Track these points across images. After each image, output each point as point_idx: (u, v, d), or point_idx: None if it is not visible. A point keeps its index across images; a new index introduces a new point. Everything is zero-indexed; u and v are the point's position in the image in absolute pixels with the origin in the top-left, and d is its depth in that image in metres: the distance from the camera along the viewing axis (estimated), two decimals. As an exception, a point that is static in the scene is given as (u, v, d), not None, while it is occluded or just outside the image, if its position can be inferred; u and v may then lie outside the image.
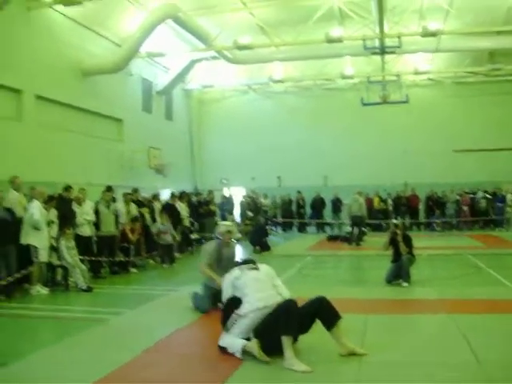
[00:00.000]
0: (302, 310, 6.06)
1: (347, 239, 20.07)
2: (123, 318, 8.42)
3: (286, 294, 6.41)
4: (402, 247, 10.66)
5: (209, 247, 8.98)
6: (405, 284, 10.45)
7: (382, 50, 21.97)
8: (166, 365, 5.90)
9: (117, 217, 14.48)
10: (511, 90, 27.34)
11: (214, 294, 8.14)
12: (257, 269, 6.66)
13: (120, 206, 15.11)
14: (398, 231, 10.87)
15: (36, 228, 11.00)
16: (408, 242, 10.86)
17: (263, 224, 20.57)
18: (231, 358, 5.93)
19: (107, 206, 14.15)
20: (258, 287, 6.35)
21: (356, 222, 19.90)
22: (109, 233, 13.93)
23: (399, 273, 10.66)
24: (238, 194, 27.90)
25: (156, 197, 18.54)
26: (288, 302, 6.02)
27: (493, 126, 27.14)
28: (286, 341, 5.70)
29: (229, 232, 8.84)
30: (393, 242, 10.95)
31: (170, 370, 5.74)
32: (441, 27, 19.30)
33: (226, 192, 27.28)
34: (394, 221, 11.64)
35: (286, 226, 26.97)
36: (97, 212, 13.83)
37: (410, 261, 10.66)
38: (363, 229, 20.51)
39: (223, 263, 8.52)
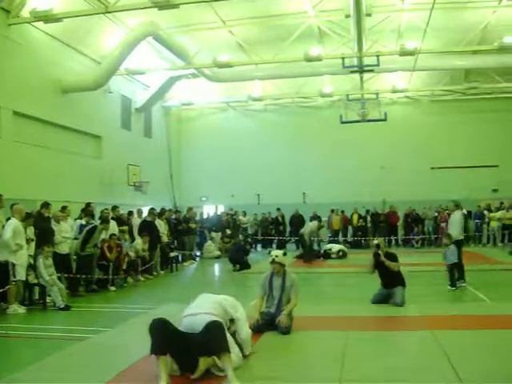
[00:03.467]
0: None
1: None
2: (102, 336, 8.33)
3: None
4: (389, 263, 10.21)
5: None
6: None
7: (361, 69, 22.20)
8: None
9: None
10: (487, 108, 27.75)
11: None
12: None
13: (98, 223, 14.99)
14: (380, 251, 10.43)
15: (7, 248, 10.86)
16: (392, 258, 10.41)
17: (243, 242, 20.53)
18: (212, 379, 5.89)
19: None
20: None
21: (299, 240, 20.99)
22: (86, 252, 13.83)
23: (389, 300, 10.19)
24: (216, 212, 27.94)
25: (132, 214, 18.50)
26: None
27: (470, 143, 27.55)
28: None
29: (273, 262, 8.43)
30: (378, 264, 10.46)
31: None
32: (418, 46, 19.55)
33: (210, 209, 27.40)
34: (375, 241, 11.17)
35: (266, 244, 26.93)
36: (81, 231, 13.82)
37: (403, 295, 10.12)
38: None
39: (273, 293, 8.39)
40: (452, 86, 27.20)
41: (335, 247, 21.37)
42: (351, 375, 5.98)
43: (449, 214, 25.13)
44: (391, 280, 10.28)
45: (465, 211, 25.21)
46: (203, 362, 5.82)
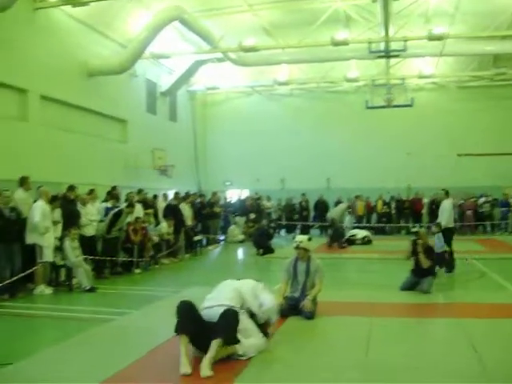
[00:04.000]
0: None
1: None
2: (128, 318, 8.42)
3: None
4: (423, 259, 10.12)
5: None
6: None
7: (387, 54, 21.95)
8: (171, 366, 5.88)
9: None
10: (516, 95, 27.32)
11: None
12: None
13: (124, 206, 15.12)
14: (419, 241, 10.31)
15: (36, 230, 10.99)
16: (429, 253, 10.29)
17: (266, 227, 20.55)
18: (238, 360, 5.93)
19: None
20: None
21: (329, 224, 20.52)
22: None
23: (417, 287, 10.13)
24: (241, 196, 28.00)
25: (157, 197, 18.62)
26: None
27: (497, 130, 27.10)
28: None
29: (297, 247, 8.46)
30: (414, 252, 10.38)
31: (176, 370, 5.72)
32: (446, 31, 19.29)
33: (234, 194, 27.52)
34: (415, 229, 10.99)
35: (290, 229, 26.91)
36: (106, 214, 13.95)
37: (431, 284, 10.07)
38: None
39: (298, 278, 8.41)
40: (480, 71, 26.77)
41: (360, 233, 21.22)
42: (375, 361, 5.99)
43: (475, 202, 25.30)
44: (423, 269, 10.20)
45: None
46: (217, 352, 5.80)
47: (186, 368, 5.60)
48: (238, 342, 5.89)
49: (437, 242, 12.55)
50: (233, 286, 6.65)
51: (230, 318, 5.96)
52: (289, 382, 5.40)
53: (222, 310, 6.07)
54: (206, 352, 5.74)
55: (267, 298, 6.72)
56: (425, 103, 27.96)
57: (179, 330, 5.89)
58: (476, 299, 9.50)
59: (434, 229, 13.25)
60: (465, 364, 5.85)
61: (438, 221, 13.49)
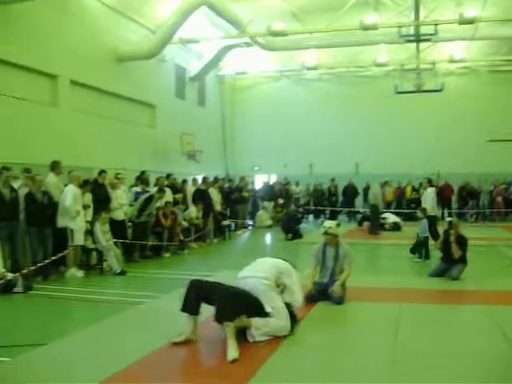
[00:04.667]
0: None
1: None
2: (157, 301, 8.51)
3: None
4: (455, 249, 10.02)
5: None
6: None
7: (417, 38, 21.71)
8: (201, 350, 5.96)
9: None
10: (548, 79, 26.85)
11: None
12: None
13: (154, 190, 15.27)
14: (452, 230, 10.19)
15: (67, 214, 11.15)
16: (462, 243, 10.16)
17: (295, 212, 20.55)
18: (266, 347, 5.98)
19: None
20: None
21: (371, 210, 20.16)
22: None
23: (446, 273, 10.10)
24: (269, 181, 28.00)
25: (186, 182, 18.72)
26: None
27: (529, 115, 26.70)
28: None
29: (326, 233, 8.44)
30: (446, 241, 10.27)
31: (206, 354, 5.79)
32: (478, 14, 18.99)
33: (263, 179, 27.61)
34: (448, 218, 10.93)
35: (318, 214, 26.87)
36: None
37: (461, 271, 10.04)
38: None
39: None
40: (511, 55, 26.34)
41: (391, 218, 21.05)
42: (404, 346, 6.00)
43: (506, 189, 24.98)
44: (453, 257, 10.13)
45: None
46: (241, 321, 5.89)
47: (178, 338, 5.97)
48: (231, 319, 5.81)
49: (421, 227, 12.91)
50: (271, 262, 6.75)
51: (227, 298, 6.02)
52: (317, 366, 5.43)
53: (257, 282, 6.26)
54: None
55: (297, 290, 6.70)
56: (455, 88, 27.62)
57: (185, 310, 6.10)
58: (506, 286, 9.41)
59: (419, 214, 13.36)
60: (494, 350, 5.84)
61: (423, 206, 13.72)
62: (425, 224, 12.93)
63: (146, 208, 13.99)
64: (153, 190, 15.25)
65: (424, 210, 13.23)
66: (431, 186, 14.41)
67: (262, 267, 6.58)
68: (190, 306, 6.04)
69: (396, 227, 20.51)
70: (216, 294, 6.06)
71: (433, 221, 13.48)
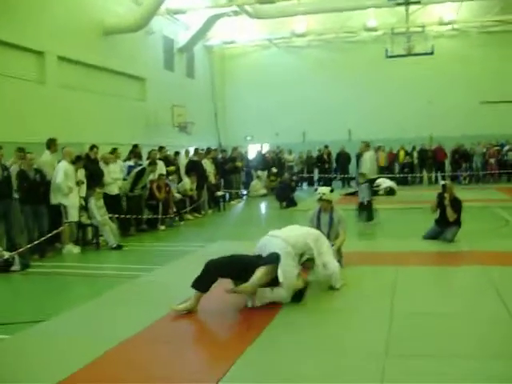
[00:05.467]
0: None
1: None
2: (154, 274, 8.55)
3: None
4: (449, 212, 10.04)
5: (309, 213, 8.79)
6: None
7: (407, 1, 21.55)
8: (199, 320, 6.01)
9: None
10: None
11: None
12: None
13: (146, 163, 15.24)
14: (446, 194, 10.19)
15: (60, 191, 11.13)
16: (456, 206, 10.18)
17: (289, 180, 20.56)
18: (264, 314, 6.03)
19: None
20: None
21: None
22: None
23: (440, 236, 10.16)
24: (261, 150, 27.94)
25: (178, 154, 18.67)
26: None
27: (521, 76, 26.61)
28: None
29: (320, 199, 8.46)
30: (440, 204, 10.30)
31: (202, 325, 5.84)
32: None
33: (255, 148, 27.54)
34: (442, 182, 10.93)
35: (312, 182, 26.91)
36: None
37: (455, 234, 10.09)
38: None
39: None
40: (503, 15, 26.12)
41: (385, 183, 21.01)
42: (401, 307, 6.08)
43: (499, 151, 25.01)
44: (448, 220, 10.17)
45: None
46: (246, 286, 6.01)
47: (180, 307, 6.11)
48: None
49: (363, 192, 13.38)
50: (300, 231, 6.85)
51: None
52: (313, 334, 5.48)
53: (280, 244, 6.35)
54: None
55: (331, 262, 6.82)
56: (446, 51, 27.45)
57: (194, 285, 6.14)
58: (500, 247, 9.48)
59: (359, 179, 13.69)
60: (490, 309, 5.91)
61: (361, 171, 13.86)
62: (366, 188, 13.34)
63: (139, 181, 13.96)
64: (145, 163, 15.21)
65: (363, 175, 13.52)
66: (369, 149, 14.57)
67: (291, 233, 6.67)
68: (202, 285, 6.09)
69: (390, 192, 20.50)
70: (231, 271, 6.19)
71: (371, 184, 13.86)
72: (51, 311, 6.61)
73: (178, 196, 15.72)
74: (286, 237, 6.50)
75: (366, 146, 14.43)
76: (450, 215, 10.07)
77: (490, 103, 26.57)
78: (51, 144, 11.70)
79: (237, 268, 6.18)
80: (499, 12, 25.91)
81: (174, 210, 15.08)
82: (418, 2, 21.94)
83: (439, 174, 25.42)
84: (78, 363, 4.71)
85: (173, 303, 6.23)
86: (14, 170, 10.86)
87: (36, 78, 16.63)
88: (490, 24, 27.29)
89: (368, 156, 13.92)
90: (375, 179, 14.14)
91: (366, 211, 13.27)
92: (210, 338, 5.71)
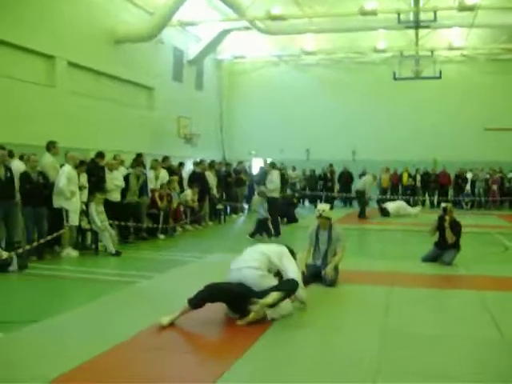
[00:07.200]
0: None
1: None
2: (151, 281, 8.57)
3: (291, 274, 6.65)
4: (449, 234, 10.00)
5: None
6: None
7: (417, 24, 21.69)
8: (193, 327, 6.01)
9: (146, 183, 14.68)
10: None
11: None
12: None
13: (149, 172, 15.30)
14: (446, 216, 10.17)
15: (62, 194, 11.17)
16: (456, 229, 10.15)
17: (291, 196, 20.59)
18: (256, 328, 6.04)
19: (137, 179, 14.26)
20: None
21: (358, 196, 20.42)
22: (133, 200, 14.06)
23: (439, 258, 10.14)
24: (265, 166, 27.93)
25: (183, 165, 18.70)
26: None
27: (527, 104, 26.70)
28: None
29: (319, 216, 8.45)
30: (440, 227, 10.26)
31: (194, 335, 5.84)
32: (477, 1, 18.95)
33: (259, 163, 27.53)
34: (443, 204, 10.94)
35: (314, 199, 26.90)
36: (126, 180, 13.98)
37: (454, 257, 10.06)
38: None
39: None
40: (510, 44, 26.27)
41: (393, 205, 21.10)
42: (393, 327, 6.09)
43: (501, 177, 25.03)
44: (447, 243, 10.15)
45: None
46: (254, 314, 6.04)
47: (165, 319, 5.97)
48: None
49: (260, 209, 14.36)
50: (259, 249, 6.79)
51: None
52: (306, 349, 5.49)
53: (251, 272, 6.34)
54: (241, 314, 6.12)
55: (291, 268, 6.76)
56: (453, 76, 27.61)
57: (189, 300, 6.08)
58: (497, 272, 9.46)
59: (260, 196, 14.85)
60: (483, 333, 5.91)
61: (262, 190, 15.01)
62: (264, 205, 14.29)
63: (128, 187, 13.90)
64: (148, 171, 15.30)
65: (262, 193, 14.65)
66: (274, 168, 15.39)
67: (253, 256, 6.62)
68: (195, 303, 6.06)
69: (385, 213, 20.61)
70: (226, 297, 6.22)
71: (275, 202, 14.55)
72: (46, 312, 6.62)
73: (177, 205, 15.77)
74: (251, 262, 6.50)
75: (272, 166, 15.44)
76: (450, 237, 10.04)
77: (495, 130, 26.62)
78: (51, 146, 11.71)
79: (236, 297, 6.21)
80: (507, 40, 26.05)
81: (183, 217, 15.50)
82: (428, 27, 22.04)
83: (441, 199, 25.38)
84: (69, 363, 4.73)
85: (164, 314, 6.21)
86: (17, 171, 10.88)
87: (46, 82, 16.80)
88: (497, 52, 27.46)
89: (274, 175, 14.70)
90: (277, 198, 14.87)
91: (265, 227, 14.20)
92: (200, 346, 5.69)
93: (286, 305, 6.37)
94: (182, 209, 16.02)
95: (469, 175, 25.60)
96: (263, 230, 14.30)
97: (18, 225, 10.75)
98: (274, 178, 14.68)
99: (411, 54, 26.46)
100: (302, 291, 6.68)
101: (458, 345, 5.54)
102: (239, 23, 23.92)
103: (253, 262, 6.48)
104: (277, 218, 14.62)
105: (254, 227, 14.45)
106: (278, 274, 6.74)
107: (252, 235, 14.26)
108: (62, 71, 17.33)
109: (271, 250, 6.81)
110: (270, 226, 14.28)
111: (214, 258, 10.51)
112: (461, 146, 26.98)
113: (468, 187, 25.47)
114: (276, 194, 14.75)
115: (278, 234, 14.28)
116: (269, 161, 17.80)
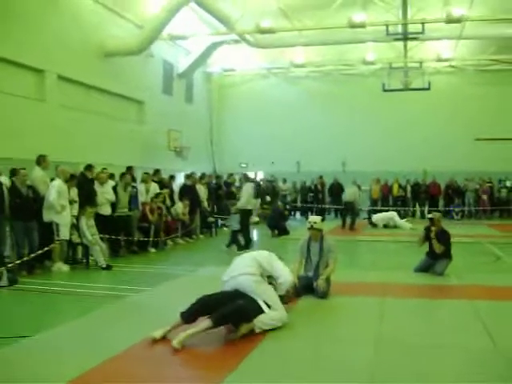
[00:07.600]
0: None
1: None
2: (143, 295, 8.53)
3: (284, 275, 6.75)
4: (436, 245, 9.98)
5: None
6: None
7: (405, 36, 21.83)
8: (186, 340, 5.95)
9: (136, 197, 14.61)
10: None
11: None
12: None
13: (140, 186, 15.26)
14: (433, 227, 10.13)
15: (52, 209, 11.12)
16: (444, 238, 10.10)
17: (282, 208, 20.59)
18: (249, 340, 6.01)
19: (124, 189, 14.15)
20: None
21: (347, 208, 20.35)
22: (124, 213, 13.97)
23: (430, 268, 10.13)
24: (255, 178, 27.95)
25: (173, 178, 18.67)
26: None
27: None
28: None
29: (311, 228, 8.48)
30: (427, 237, 10.24)
31: (188, 346, 5.80)
32: (465, 13, 19.11)
33: (251, 175, 27.54)
34: (429, 215, 10.78)
35: (305, 211, 26.92)
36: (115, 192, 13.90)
37: (445, 267, 10.05)
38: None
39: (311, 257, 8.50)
40: (499, 55, 26.50)
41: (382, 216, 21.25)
42: (386, 338, 6.08)
43: (490, 187, 25.16)
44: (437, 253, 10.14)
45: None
46: (245, 328, 6.03)
47: (158, 333, 5.96)
48: (219, 324, 5.99)
49: (232, 221, 14.86)
50: (251, 256, 6.83)
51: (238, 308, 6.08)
52: (300, 361, 5.47)
53: (247, 278, 6.39)
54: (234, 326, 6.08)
55: (283, 272, 6.80)
56: (442, 87, 27.77)
57: (181, 314, 6.08)
58: (490, 282, 9.48)
59: (232, 209, 15.30)
60: (475, 341, 5.93)
61: (233, 203, 15.64)
62: (235, 218, 14.70)
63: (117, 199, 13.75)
64: (138, 185, 15.26)
65: (235, 206, 15.16)
66: (248, 181, 15.60)
67: (246, 263, 6.65)
68: (188, 317, 6.05)
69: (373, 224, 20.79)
70: (220, 308, 6.09)
71: (247, 214, 14.60)
72: (37, 327, 6.56)
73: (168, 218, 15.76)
74: (245, 268, 6.54)
75: (246, 179, 15.81)
76: (437, 248, 10.03)
77: (485, 140, 26.76)
78: (41, 160, 11.67)
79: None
80: (495, 51, 26.27)
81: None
82: (416, 38, 22.19)
83: (429, 209, 25.45)
84: (62, 378, 4.71)
85: (155, 328, 6.17)
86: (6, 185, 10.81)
87: (35, 96, 16.77)
88: (486, 63, 27.68)
89: (247, 188, 14.82)
90: (249, 210, 14.89)
91: (243, 238, 14.39)
92: (193, 359, 5.65)
93: (275, 315, 6.34)
94: (169, 219, 15.93)
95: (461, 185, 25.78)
96: (235, 242, 14.56)
97: (6, 239, 10.68)
98: (244, 191, 14.82)
99: (400, 65, 26.62)
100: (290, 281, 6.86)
101: (451, 354, 5.55)
102: (229, 36, 24.00)
103: (247, 268, 6.53)
104: (248, 231, 14.63)
105: (229, 238, 14.81)
106: (270, 277, 6.77)
107: (228, 245, 14.68)
108: (52, 85, 17.31)
109: (261, 256, 6.86)
110: (240, 239, 14.47)
111: (206, 271, 10.48)
112: (451, 156, 27.11)
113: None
114: (250, 206, 14.88)
115: (247, 247, 13.88)
116: (253, 174, 17.87)
